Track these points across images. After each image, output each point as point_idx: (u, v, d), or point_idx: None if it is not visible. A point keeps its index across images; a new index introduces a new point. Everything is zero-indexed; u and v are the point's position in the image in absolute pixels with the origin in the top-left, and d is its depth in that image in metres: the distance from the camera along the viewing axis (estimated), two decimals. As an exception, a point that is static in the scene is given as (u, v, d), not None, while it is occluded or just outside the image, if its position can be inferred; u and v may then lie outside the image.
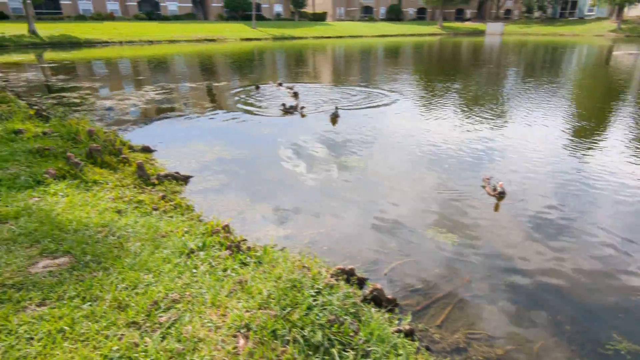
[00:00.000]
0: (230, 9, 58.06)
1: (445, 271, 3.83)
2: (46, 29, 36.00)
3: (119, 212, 4.05)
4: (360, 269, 3.71)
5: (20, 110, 8.32)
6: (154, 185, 5.27)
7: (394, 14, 74.82)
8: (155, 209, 4.33)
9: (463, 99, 12.41)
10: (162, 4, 54.29)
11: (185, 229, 3.76)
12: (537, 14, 72.20)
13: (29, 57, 25.41)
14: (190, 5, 57.30)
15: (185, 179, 5.63)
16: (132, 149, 6.72)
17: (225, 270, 2.99)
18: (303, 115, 9.90)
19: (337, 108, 9.84)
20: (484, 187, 5.60)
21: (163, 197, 4.70)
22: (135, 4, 52.35)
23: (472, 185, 5.78)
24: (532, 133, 8.55)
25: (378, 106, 11.15)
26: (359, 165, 6.57)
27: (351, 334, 2.34)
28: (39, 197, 4.06)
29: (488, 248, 4.22)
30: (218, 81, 15.96)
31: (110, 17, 48.41)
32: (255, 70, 20.54)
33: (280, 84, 14.88)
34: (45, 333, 2.19)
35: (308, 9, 69.43)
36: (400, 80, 16.37)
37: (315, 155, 7.11)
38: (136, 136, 7.84)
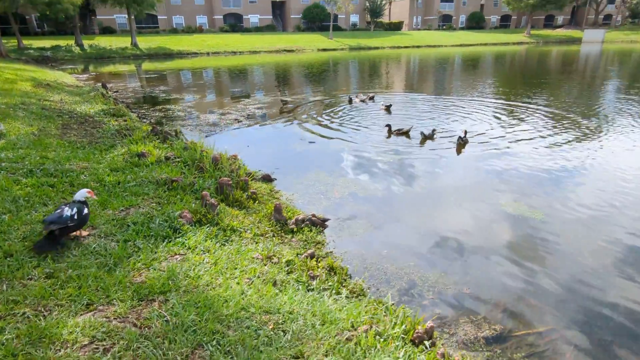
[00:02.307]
0: (308, 20, 58.76)
1: None
2: (145, 42, 38.77)
3: (274, 283, 3.14)
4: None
5: (136, 126, 8.08)
6: (292, 232, 4.36)
7: (475, 22, 70.95)
8: (313, 278, 3.36)
9: (550, 115, 10.89)
10: (245, 17, 56.41)
11: (373, 326, 2.71)
12: (646, 19, 64.10)
13: (131, 67, 27.12)
14: (271, 17, 58.92)
15: (322, 224, 4.68)
16: (252, 177, 5.96)
17: None
18: (427, 140, 8.67)
19: (466, 132, 8.46)
20: None
21: (312, 256, 3.74)
22: (221, 17, 54.91)
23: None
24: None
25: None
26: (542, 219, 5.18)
27: None
28: (180, 255, 3.28)
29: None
30: (312, 94, 15.30)
31: (199, 30, 51.25)
32: (342, 82, 19.74)
33: (371, 98, 13.86)
34: None
35: (384, 19, 68.22)
36: (486, 93, 14.51)
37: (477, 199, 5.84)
38: (248, 158, 7.13)
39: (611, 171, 6.65)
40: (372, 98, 13.94)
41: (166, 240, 3.50)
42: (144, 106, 12.74)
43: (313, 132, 9.46)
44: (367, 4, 63.13)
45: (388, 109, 12.27)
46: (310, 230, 4.44)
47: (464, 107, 12.42)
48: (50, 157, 5.45)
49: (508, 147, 8.11)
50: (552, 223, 4.88)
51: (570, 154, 7.68)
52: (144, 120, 10.45)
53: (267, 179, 6.13)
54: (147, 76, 21.67)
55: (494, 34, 62.97)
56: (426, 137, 8.68)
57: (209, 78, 21.63)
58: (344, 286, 3.45)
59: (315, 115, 11.25)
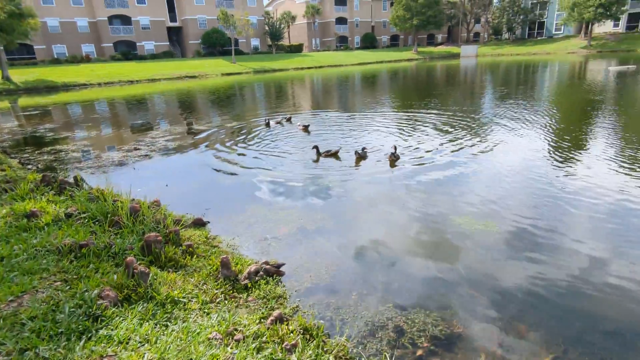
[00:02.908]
0: (208, 45, 57.33)
1: None
2: (20, 74, 33.96)
3: (247, 371, 2.42)
4: None
5: (20, 176, 6.54)
6: (246, 289, 3.64)
7: (369, 42, 76.09)
8: (290, 350, 2.71)
9: (454, 123, 12.09)
10: (138, 44, 52.97)
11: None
12: (506, 35, 74.74)
13: (4, 104, 23.30)
14: (167, 43, 56.28)
15: (278, 271, 4.02)
16: (182, 224, 5.06)
17: None
18: (361, 159, 8.46)
19: (395, 148, 8.45)
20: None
21: (280, 319, 3.08)
22: (111, 45, 50.85)
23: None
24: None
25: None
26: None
27: None
28: (109, 358, 2.40)
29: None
30: (224, 121, 14.45)
31: (87, 59, 46.67)
32: (252, 106, 19.21)
33: (288, 119, 13.63)
34: None
35: (285, 42, 69.71)
36: (391, 106, 15.41)
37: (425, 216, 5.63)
38: (170, 200, 6.15)
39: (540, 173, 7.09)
40: (289, 119, 13.63)
41: (84, 336, 2.57)
42: (26, 149, 10.70)
43: (235, 163, 8.70)
44: (267, 28, 63.88)
45: (306, 129, 12.07)
46: (267, 283, 3.76)
47: (378, 122, 12.83)
48: None
49: (434, 158, 8.30)
50: (511, 236, 4.87)
51: (485, 158, 8.12)
52: (29, 167, 8.69)
53: (199, 223, 5.27)
54: (26, 113, 18.70)
55: (386, 53, 68.05)
56: (360, 157, 8.49)
57: (106, 110, 19.44)
58: (327, 351, 2.86)
59: (233, 143, 10.49)
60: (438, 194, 6.31)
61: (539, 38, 70.06)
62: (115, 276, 3.23)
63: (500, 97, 17.39)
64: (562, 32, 67.15)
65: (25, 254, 3.67)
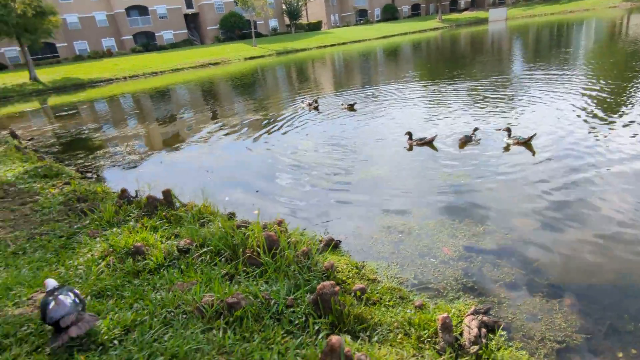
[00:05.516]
0: (226, 29, 55.87)
1: None
2: (47, 74, 33.62)
3: None
4: None
5: (91, 191, 5.55)
6: (478, 359, 2.49)
7: (390, 14, 72.78)
8: None
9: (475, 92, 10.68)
10: (157, 34, 52.05)
11: None
12: (536, -6, 69.97)
13: (36, 105, 22.81)
14: (186, 31, 55.12)
15: (496, 321, 2.84)
16: (326, 251, 3.92)
17: None
18: (465, 144, 7.25)
19: (475, 129, 7.38)
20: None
21: None
22: (131, 37, 50.08)
23: None
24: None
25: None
26: None
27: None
28: None
29: None
30: (270, 106, 13.26)
31: (108, 53, 46.16)
32: (293, 87, 17.92)
33: (315, 102, 12.30)
34: None
35: (303, 20, 67.43)
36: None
37: None
38: (273, 209, 5.07)
39: None
40: (315, 101, 12.33)
41: None
42: (78, 154, 9.79)
43: (311, 156, 7.56)
44: (284, 7, 61.75)
45: (352, 107, 11.07)
46: (499, 347, 2.59)
47: (428, 96, 12.03)
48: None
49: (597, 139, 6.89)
50: None
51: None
52: (89, 176, 7.76)
53: (333, 244, 4.13)
54: (63, 113, 18.01)
55: (409, 23, 64.82)
56: (466, 141, 7.30)
57: (143, 104, 18.54)
58: None
59: (290, 133, 9.43)
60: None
61: (573, -6, 65.21)
62: (315, 365, 2.12)
63: (532, 63, 15.48)
64: (599, -15, 62.20)
65: (154, 319, 2.61)
